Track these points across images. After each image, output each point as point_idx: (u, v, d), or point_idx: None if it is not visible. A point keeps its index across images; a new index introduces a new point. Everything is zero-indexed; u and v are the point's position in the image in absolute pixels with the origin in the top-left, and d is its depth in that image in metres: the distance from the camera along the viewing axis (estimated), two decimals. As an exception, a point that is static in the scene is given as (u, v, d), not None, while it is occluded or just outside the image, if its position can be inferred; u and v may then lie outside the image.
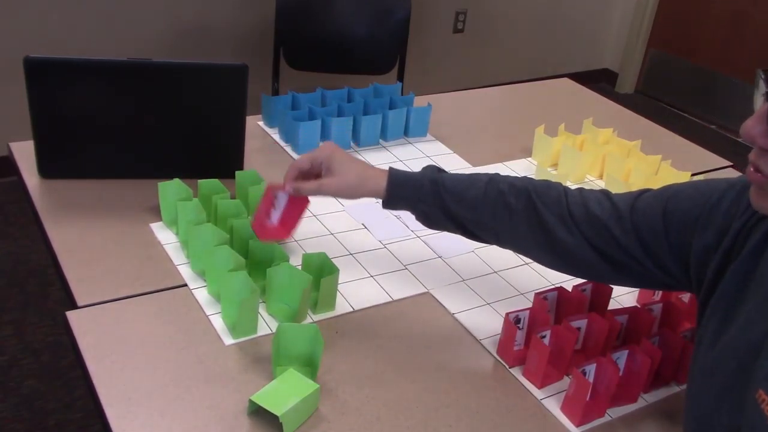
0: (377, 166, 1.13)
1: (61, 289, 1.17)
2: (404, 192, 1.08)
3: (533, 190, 1.03)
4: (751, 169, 0.74)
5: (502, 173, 1.09)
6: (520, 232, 1.04)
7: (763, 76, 0.71)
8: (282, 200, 1.14)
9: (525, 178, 1.07)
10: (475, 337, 1.15)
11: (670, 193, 0.95)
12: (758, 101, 0.72)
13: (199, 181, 1.31)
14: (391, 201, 1.10)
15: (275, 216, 1.15)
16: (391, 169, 1.10)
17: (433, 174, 1.08)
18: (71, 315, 1.08)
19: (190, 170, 1.36)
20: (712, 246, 0.87)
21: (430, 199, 1.07)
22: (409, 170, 1.11)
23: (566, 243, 1.00)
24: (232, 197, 1.30)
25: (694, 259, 0.90)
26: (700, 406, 0.83)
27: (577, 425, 1.01)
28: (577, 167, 1.61)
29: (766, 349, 0.76)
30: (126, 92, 1.34)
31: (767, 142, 0.71)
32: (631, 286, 1.10)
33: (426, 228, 1.12)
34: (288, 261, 1.16)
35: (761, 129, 0.71)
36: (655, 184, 1.50)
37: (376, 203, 1.45)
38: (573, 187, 1.06)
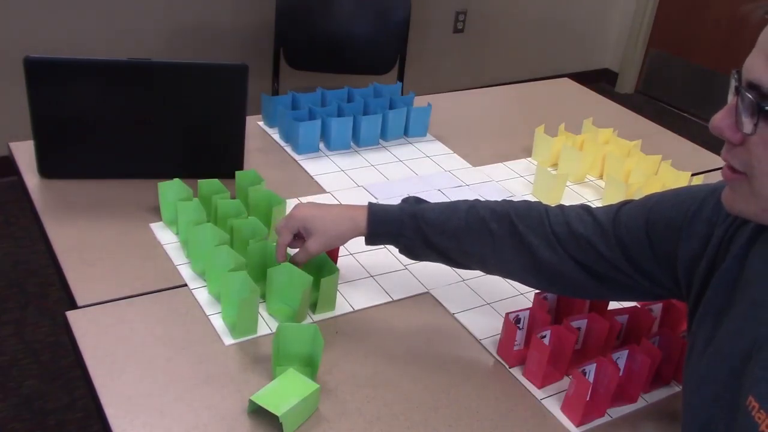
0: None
1: (61, 289, 1.17)
2: (385, 228, 1.08)
3: (514, 213, 1.03)
4: (726, 167, 0.75)
5: (493, 186, 1.09)
6: (505, 257, 1.04)
7: (735, 75, 0.72)
8: None
9: (504, 201, 1.07)
10: (475, 337, 1.15)
11: (652, 203, 0.95)
12: (730, 98, 0.73)
13: (199, 181, 1.31)
14: (373, 238, 1.10)
15: None
16: (370, 205, 1.10)
17: (413, 207, 1.08)
18: (71, 315, 1.08)
19: (190, 170, 1.36)
20: (696, 254, 0.87)
21: (411, 233, 1.07)
22: (388, 204, 1.11)
23: (551, 263, 1.00)
24: (232, 197, 1.30)
25: (681, 268, 0.90)
26: (696, 413, 0.83)
27: (577, 425, 1.01)
28: (577, 167, 1.61)
29: (755, 355, 0.75)
30: (126, 92, 1.34)
31: (733, 135, 0.72)
32: (623, 300, 1.10)
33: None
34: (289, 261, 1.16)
35: (728, 122, 0.72)
36: (655, 184, 1.51)
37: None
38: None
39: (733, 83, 0.72)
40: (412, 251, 1.10)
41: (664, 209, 0.92)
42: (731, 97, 0.73)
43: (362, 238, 1.11)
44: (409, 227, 1.06)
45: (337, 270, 1.14)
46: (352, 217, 1.09)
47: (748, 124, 0.70)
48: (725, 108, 0.73)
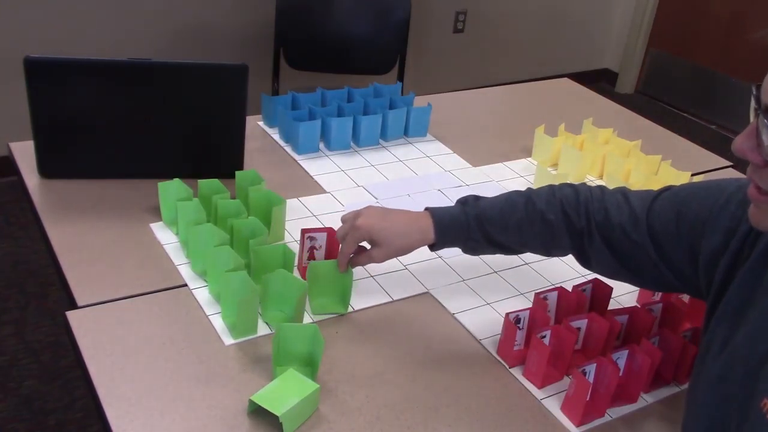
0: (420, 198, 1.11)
1: (61, 289, 1.17)
2: (453, 235, 1.09)
3: (565, 201, 1.06)
4: (752, 186, 0.74)
5: (524, 184, 1.09)
6: (562, 243, 1.07)
7: (754, 92, 0.71)
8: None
9: (553, 190, 1.09)
10: (475, 337, 1.15)
11: (684, 195, 0.96)
12: (752, 115, 0.72)
13: (199, 181, 1.31)
14: (440, 245, 1.11)
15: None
16: (433, 213, 1.10)
17: (475, 209, 1.09)
18: (71, 315, 1.08)
19: (190, 170, 1.36)
20: (719, 249, 0.87)
21: (478, 235, 1.09)
22: (444, 206, 1.11)
23: (590, 248, 1.04)
24: (232, 197, 1.30)
25: (702, 261, 0.90)
26: (707, 412, 0.83)
27: (577, 425, 1.01)
28: (577, 167, 1.61)
29: None
30: (126, 92, 1.34)
31: (757, 157, 0.71)
32: (649, 289, 1.14)
33: None
34: (293, 260, 1.16)
35: (750, 144, 0.71)
36: (655, 184, 1.51)
37: (376, 203, 1.46)
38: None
39: (753, 103, 0.70)
40: (475, 249, 1.12)
41: (694, 202, 0.93)
42: (752, 117, 0.71)
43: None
44: (476, 229, 1.08)
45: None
46: (420, 229, 1.09)
47: None
48: (747, 129, 0.71)
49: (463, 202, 1.11)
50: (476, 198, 1.12)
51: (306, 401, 0.94)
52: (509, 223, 1.07)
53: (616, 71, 4.53)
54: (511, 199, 1.10)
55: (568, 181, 1.59)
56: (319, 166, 1.56)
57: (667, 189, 1.01)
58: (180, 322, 1.09)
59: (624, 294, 1.28)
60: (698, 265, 0.91)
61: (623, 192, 1.05)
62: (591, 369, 1.01)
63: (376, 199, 1.47)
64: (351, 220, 1.11)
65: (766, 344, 0.77)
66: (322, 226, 1.26)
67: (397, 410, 0.99)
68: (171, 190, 1.28)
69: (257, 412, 0.95)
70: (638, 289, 1.28)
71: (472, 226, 1.08)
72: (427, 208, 1.11)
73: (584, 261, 1.08)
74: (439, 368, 1.08)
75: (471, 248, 1.12)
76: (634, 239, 0.98)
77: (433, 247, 1.11)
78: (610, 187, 1.51)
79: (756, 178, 0.73)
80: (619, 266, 1.02)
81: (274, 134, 1.68)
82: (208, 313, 1.11)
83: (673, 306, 1.16)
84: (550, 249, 1.10)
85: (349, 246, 1.11)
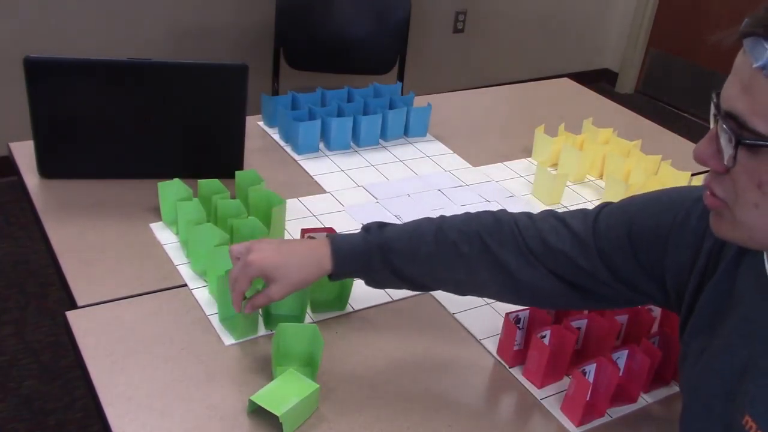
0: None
1: (61, 289, 1.17)
2: (352, 266, 1.01)
3: (484, 231, 0.97)
4: (708, 193, 0.72)
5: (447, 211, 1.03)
6: (481, 279, 0.99)
7: (714, 99, 0.69)
8: None
9: (470, 217, 1.01)
10: (475, 337, 1.15)
11: (633, 210, 0.91)
12: (712, 122, 0.70)
13: (199, 181, 1.31)
14: (339, 276, 1.02)
15: None
16: (332, 241, 1.01)
17: (378, 238, 1.00)
18: (71, 315, 1.08)
19: (190, 170, 1.36)
20: (686, 265, 0.85)
21: (380, 266, 1.00)
22: (348, 233, 1.03)
23: (530, 280, 0.96)
24: (232, 197, 1.30)
25: (670, 278, 0.87)
26: (692, 421, 0.82)
27: (577, 425, 1.01)
28: (577, 167, 1.61)
29: (749, 373, 0.74)
30: (126, 92, 1.34)
31: (717, 164, 0.69)
32: (610, 309, 1.08)
33: None
34: None
35: (711, 151, 0.69)
36: (655, 185, 1.51)
37: (376, 203, 1.46)
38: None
39: (712, 109, 0.69)
40: (379, 282, 1.04)
41: (647, 217, 0.89)
42: (712, 124, 0.70)
43: None
44: (378, 260, 0.99)
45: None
46: (317, 259, 0.99)
47: (728, 157, 0.67)
48: (707, 136, 0.70)
49: (367, 229, 1.02)
50: (382, 225, 1.02)
51: (306, 401, 0.94)
52: (417, 255, 0.98)
53: (616, 71, 4.53)
54: (420, 228, 1.00)
55: (568, 182, 1.60)
56: (319, 166, 1.56)
57: (606, 206, 0.95)
58: (180, 322, 1.09)
59: (624, 294, 1.28)
60: (661, 279, 0.88)
61: (555, 216, 0.97)
62: (591, 369, 1.01)
63: (376, 199, 1.47)
64: (243, 255, 1.00)
65: (739, 359, 0.75)
66: (322, 226, 1.26)
67: (397, 410, 0.99)
68: (171, 190, 1.28)
69: (257, 412, 0.95)
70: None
71: (373, 256, 0.99)
72: (327, 236, 1.03)
73: (513, 296, 0.99)
74: (439, 368, 1.08)
75: (374, 280, 1.03)
76: (582, 265, 0.92)
77: (331, 278, 1.01)
78: (610, 186, 1.53)
79: (714, 185, 0.70)
80: (569, 290, 0.95)
81: (274, 134, 1.68)
82: (208, 313, 1.11)
83: (673, 306, 1.16)
84: (465, 286, 1.01)
85: (242, 284, 0.99)
